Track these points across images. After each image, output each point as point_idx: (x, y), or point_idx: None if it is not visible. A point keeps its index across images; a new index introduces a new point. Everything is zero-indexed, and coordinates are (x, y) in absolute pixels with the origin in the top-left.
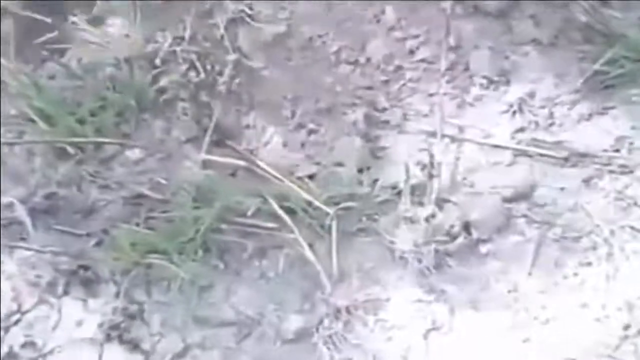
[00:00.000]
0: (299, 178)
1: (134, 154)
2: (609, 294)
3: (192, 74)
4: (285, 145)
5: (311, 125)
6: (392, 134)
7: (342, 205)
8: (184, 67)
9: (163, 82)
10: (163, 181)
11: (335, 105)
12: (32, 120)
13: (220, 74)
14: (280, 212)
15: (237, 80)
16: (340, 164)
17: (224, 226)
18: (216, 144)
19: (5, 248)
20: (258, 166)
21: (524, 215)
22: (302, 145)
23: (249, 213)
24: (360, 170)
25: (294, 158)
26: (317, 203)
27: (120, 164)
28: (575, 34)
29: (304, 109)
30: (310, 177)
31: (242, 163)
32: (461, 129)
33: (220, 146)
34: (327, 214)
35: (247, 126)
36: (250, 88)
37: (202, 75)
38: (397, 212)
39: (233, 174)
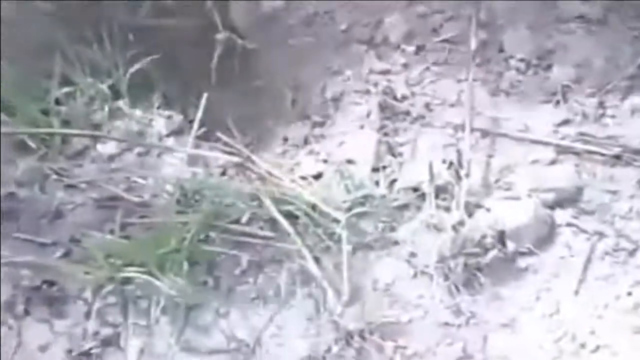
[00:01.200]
0: (302, 178)
1: (107, 148)
2: None
3: (176, 54)
4: (285, 139)
5: (316, 117)
6: (413, 127)
7: (354, 211)
8: (166, 46)
9: (141, 63)
10: (141, 181)
11: (345, 92)
12: None
13: (210, 55)
14: (280, 218)
15: (228, 63)
16: (351, 162)
17: (213, 235)
18: (204, 137)
19: None
20: (253, 163)
21: (570, 224)
22: (306, 139)
23: (243, 219)
24: (375, 169)
25: (296, 154)
26: (323, 207)
27: (91, 160)
28: (628, 9)
29: (307, 97)
30: (316, 176)
31: (234, 159)
32: (494, 121)
33: (209, 140)
34: (336, 220)
35: (241, 117)
36: (244, 72)
37: (188, 56)
38: (418, 219)
39: (224, 173)
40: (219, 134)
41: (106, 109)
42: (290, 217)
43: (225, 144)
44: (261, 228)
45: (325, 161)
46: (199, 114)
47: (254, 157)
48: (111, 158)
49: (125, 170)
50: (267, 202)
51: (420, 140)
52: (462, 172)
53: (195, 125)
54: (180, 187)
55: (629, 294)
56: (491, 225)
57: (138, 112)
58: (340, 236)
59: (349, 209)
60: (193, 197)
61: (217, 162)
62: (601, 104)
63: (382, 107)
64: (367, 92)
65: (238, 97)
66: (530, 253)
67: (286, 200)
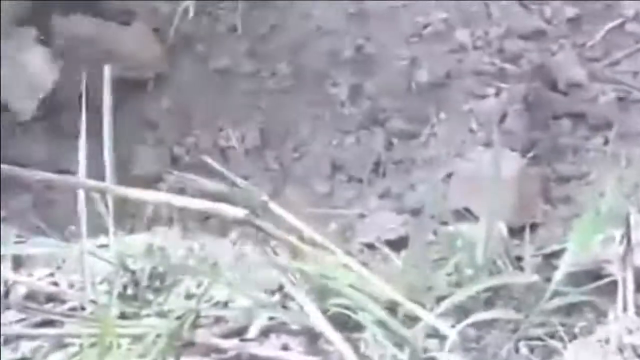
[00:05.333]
0: (369, 246)
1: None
2: None
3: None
4: (334, 168)
5: (396, 122)
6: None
7: (475, 318)
8: None
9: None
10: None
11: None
12: None
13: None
14: (327, 329)
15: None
16: (467, 213)
17: None
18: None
19: None
20: (271, 215)
21: None
22: (376, 168)
23: (252, 332)
24: (517, 230)
25: (356, 199)
26: (413, 308)
27: None
28: None
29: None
30: (395, 244)
31: (237, 213)
32: None
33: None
34: (437, 336)
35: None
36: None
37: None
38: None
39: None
40: (206, 159)
41: None
42: (347, 326)
43: (218, 175)
44: (285, 348)
45: (414, 212)
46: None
47: (272, 205)
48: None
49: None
50: (300, 297)
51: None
52: None
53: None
54: (127, 270)
55: None
56: None
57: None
58: None
59: (465, 312)
60: (154, 287)
61: (200, 216)
62: None
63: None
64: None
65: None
66: None
67: (336, 291)
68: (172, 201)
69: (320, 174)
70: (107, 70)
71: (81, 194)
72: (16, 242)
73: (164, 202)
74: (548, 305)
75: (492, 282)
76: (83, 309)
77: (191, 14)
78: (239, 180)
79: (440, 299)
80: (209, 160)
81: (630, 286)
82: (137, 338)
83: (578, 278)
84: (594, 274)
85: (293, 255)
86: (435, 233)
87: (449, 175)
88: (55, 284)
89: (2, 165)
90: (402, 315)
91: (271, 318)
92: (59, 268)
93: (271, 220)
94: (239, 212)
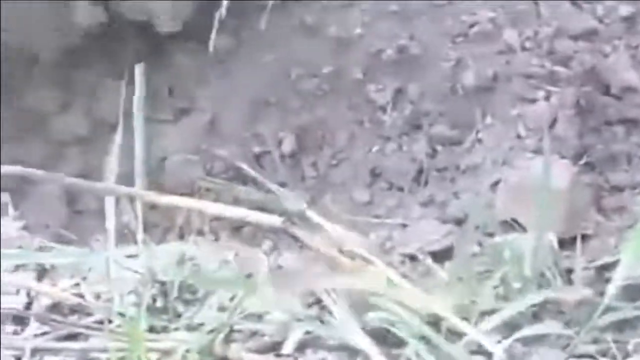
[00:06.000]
0: (412, 258)
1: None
2: None
3: None
4: (374, 174)
5: (439, 128)
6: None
7: (522, 333)
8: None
9: None
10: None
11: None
12: None
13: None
14: (366, 344)
15: None
16: (514, 224)
17: None
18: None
19: None
20: (306, 222)
21: None
22: (418, 177)
23: (288, 347)
24: (567, 240)
25: (399, 207)
26: (458, 324)
27: None
28: None
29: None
30: (440, 255)
31: (271, 220)
32: None
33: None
34: (482, 353)
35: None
36: None
37: None
38: None
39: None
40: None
41: None
42: (387, 341)
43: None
44: None
45: (458, 222)
46: None
47: (310, 213)
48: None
49: None
50: (339, 310)
51: None
52: None
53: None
54: (156, 281)
55: None
56: None
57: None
58: None
59: (512, 327)
60: (185, 299)
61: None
62: None
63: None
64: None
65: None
66: None
67: (376, 305)
68: (205, 208)
69: (359, 182)
70: (138, 73)
71: (110, 201)
72: (39, 251)
73: (197, 209)
74: (600, 321)
75: (542, 296)
76: (110, 321)
77: (223, 13)
78: (275, 187)
79: (484, 313)
80: (244, 166)
81: None
82: (166, 353)
83: (632, 292)
84: None
85: (331, 266)
86: (480, 244)
87: (496, 184)
88: (81, 295)
89: (31, 171)
90: (445, 330)
91: (308, 332)
92: (84, 279)
93: (309, 229)
94: (275, 220)
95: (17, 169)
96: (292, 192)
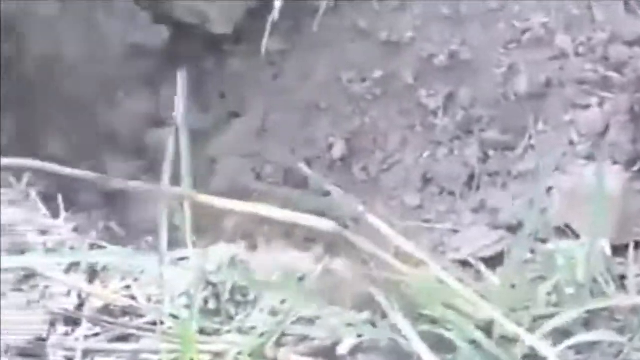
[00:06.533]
0: (463, 262)
1: None
2: None
3: None
4: (425, 179)
5: (491, 133)
6: None
7: (576, 339)
8: None
9: None
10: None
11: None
12: None
13: None
14: (419, 346)
15: None
16: (567, 230)
17: None
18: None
19: None
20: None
21: None
22: (470, 182)
23: (344, 348)
24: (615, 248)
25: (450, 212)
26: (511, 328)
27: None
28: None
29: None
30: (491, 261)
31: (325, 226)
32: None
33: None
34: (538, 358)
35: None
36: None
37: None
38: None
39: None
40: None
41: None
42: (438, 345)
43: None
44: None
45: (510, 229)
46: None
47: (368, 217)
48: None
49: None
50: (394, 314)
51: None
52: None
53: None
54: (208, 283)
55: None
56: None
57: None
58: None
59: (564, 333)
60: (236, 301)
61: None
62: None
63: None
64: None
65: None
66: None
67: (429, 308)
68: (257, 211)
69: (410, 186)
70: (180, 78)
71: (162, 203)
72: (90, 252)
73: (248, 212)
74: None
75: (595, 303)
76: (161, 323)
77: (276, 16)
78: (334, 189)
79: (537, 319)
80: (304, 167)
81: None
82: (217, 355)
83: None
84: None
85: (384, 269)
86: (532, 251)
87: (548, 190)
88: (132, 297)
89: (79, 173)
90: (497, 335)
91: (360, 336)
92: (135, 280)
93: (362, 232)
94: (328, 224)
95: (18, 161)
96: (348, 195)
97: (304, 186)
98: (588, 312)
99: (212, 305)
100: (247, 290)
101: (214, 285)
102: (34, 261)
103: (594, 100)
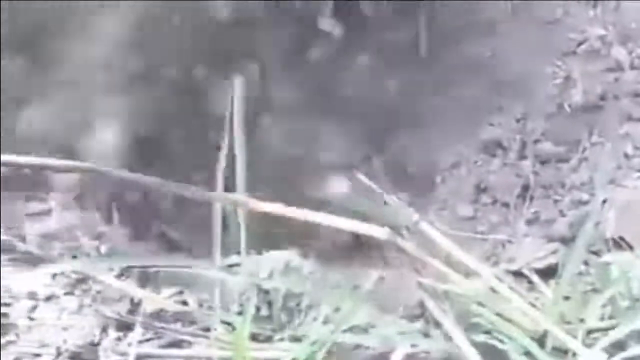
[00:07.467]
0: (517, 274)
1: None
2: None
3: None
4: (479, 189)
5: (546, 146)
6: None
7: (631, 353)
8: None
9: None
10: None
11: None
12: None
13: None
14: (474, 356)
15: None
16: (622, 243)
17: None
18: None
19: None
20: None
21: None
22: (524, 194)
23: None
24: None
25: (503, 223)
26: (564, 339)
27: None
28: None
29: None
30: (543, 273)
31: (381, 233)
32: None
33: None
34: None
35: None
36: None
37: None
38: None
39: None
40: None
41: None
42: (490, 356)
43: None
44: None
45: (564, 240)
46: None
47: (423, 225)
48: None
49: None
50: (449, 324)
51: None
52: None
53: None
54: (260, 290)
55: None
56: None
57: None
58: None
59: (617, 345)
60: (289, 309)
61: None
62: None
63: None
64: None
65: None
66: None
67: (482, 318)
68: (312, 218)
69: (463, 197)
70: (237, 83)
71: (216, 208)
72: (143, 257)
73: (304, 218)
74: None
75: None
76: (214, 329)
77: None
78: (391, 198)
79: (591, 332)
80: (362, 176)
81: None
82: None
83: None
84: None
85: (438, 278)
86: (586, 263)
87: (603, 203)
88: (184, 302)
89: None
90: (550, 347)
91: (413, 346)
92: (188, 286)
93: (416, 241)
94: (382, 232)
95: (18, 158)
96: (402, 203)
97: (357, 193)
98: None
99: (264, 312)
100: (300, 297)
101: (267, 292)
102: (87, 266)
103: None
